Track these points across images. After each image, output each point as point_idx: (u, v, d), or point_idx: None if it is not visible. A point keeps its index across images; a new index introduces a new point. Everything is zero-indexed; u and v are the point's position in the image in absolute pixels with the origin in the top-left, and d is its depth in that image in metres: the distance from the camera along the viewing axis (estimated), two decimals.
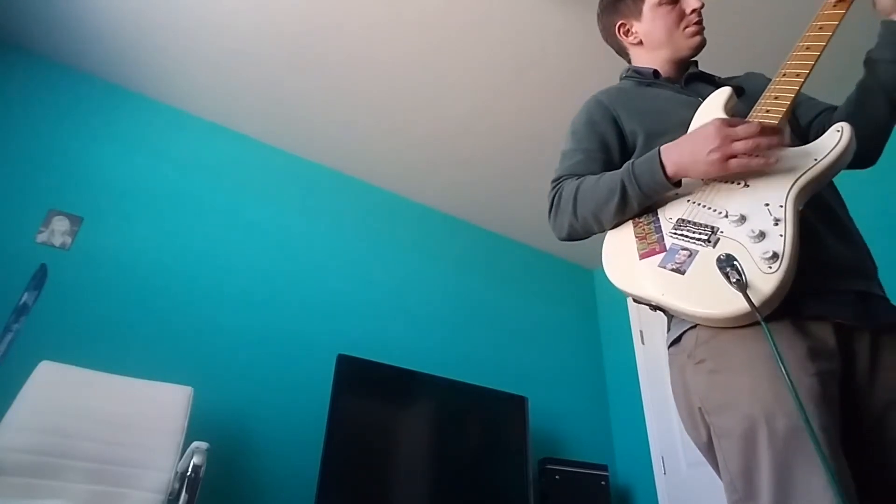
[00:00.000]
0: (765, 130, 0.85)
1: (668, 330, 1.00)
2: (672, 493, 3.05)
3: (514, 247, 3.88)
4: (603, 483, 2.97)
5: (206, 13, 2.44)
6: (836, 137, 0.86)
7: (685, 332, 0.91)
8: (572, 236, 1.10)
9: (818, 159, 0.85)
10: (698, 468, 2.95)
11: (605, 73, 2.63)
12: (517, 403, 2.95)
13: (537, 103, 2.81)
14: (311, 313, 2.82)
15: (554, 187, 1.13)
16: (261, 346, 2.61)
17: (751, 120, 0.92)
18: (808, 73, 0.93)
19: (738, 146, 0.85)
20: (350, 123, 3.00)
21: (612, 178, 1.00)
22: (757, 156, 0.86)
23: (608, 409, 3.64)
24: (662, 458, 3.17)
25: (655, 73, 1.21)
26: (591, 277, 4.17)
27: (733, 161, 0.86)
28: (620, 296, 3.96)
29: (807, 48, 0.94)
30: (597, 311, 4.03)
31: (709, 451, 0.88)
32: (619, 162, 1.12)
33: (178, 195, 2.75)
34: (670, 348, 0.98)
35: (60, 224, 2.40)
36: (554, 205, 1.11)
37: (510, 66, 2.63)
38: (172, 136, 2.88)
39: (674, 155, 0.93)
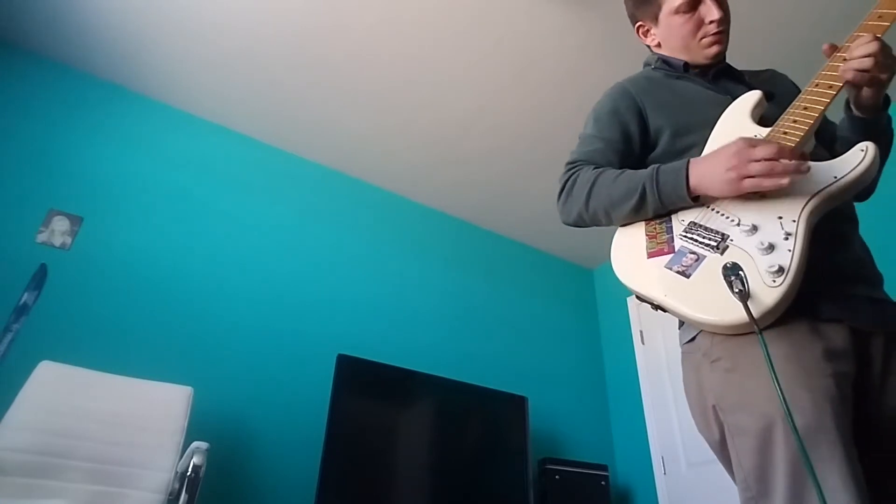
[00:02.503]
0: (783, 152, 0.84)
1: (680, 328, 1.00)
2: (672, 493, 3.05)
3: (514, 247, 3.88)
4: (603, 483, 2.97)
5: (207, 13, 2.44)
6: (860, 157, 0.86)
7: (702, 331, 0.92)
8: (578, 224, 1.10)
9: (838, 177, 0.85)
10: (698, 468, 2.95)
11: (605, 72, 2.63)
12: (517, 403, 2.95)
13: (537, 103, 2.81)
14: (311, 313, 2.82)
15: (568, 170, 1.10)
16: (261, 346, 2.61)
17: (771, 140, 0.92)
18: (841, 87, 0.93)
19: (754, 167, 0.85)
20: (350, 123, 3.00)
21: (633, 178, 0.98)
22: (771, 177, 0.85)
23: (608, 409, 3.64)
24: (662, 458, 3.17)
25: (686, 65, 1.17)
26: (591, 277, 4.17)
27: (747, 181, 0.86)
28: (620, 296, 3.99)
29: (843, 60, 0.92)
30: (597, 311, 4.03)
31: (721, 449, 0.89)
32: (640, 154, 1.11)
33: (178, 195, 2.75)
34: (684, 346, 0.98)
35: (60, 224, 2.40)
36: (566, 189, 1.09)
37: (510, 66, 2.63)
38: (172, 136, 2.88)
39: (697, 171, 0.92)
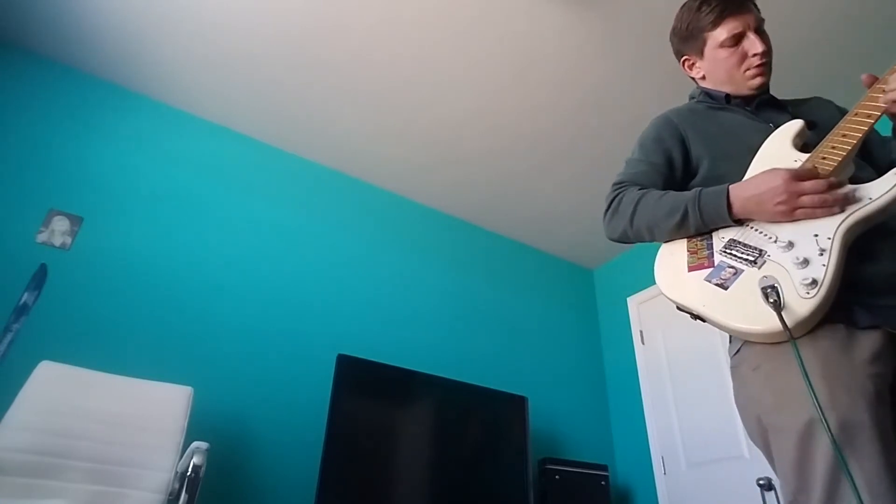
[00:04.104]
0: (832, 186, 0.90)
1: (731, 342, 1.04)
2: (672, 493, 3.05)
3: (514, 247, 3.88)
4: (603, 483, 2.97)
5: (207, 13, 2.44)
6: (894, 180, 0.90)
7: (745, 342, 0.96)
8: (622, 240, 1.16)
9: (872, 199, 0.90)
10: (698, 468, 2.95)
11: (605, 72, 2.64)
12: (517, 403, 2.95)
13: (537, 103, 2.81)
14: (311, 313, 2.82)
15: (615, 190, 1.17)
16: (261, 346, 2.61)
17: (810, 164, 0.96)
18: (879, 116, 0.96)
19: (805, 200, 0.91)
20: (350, 123, 3.00)
21: (677, 199, 1.05)
22: (824, 208, 0.90)
23: (608, 409, 3.64)
24: (662, 458, 3.17)
25: (728, 97, 1.22)
26: (591, 277, 4.17)
27: (799, 211, 0.92)
28: (620, 296, 3.99)
29: (883, 91, 0.95)
30: (597, 311, 4.03)
31: (769, 453, 0.92)
32: (681, 180, 1.17)
33: (178, 195, 2.75)
34: (732, 358, 1.02)
35: (60, 224, 2.40)
36: (612, 207, 1.16)
37: (510, 66, 2.63)
38: (173, 136, 2.88)
39: (741, 198, 0.98)
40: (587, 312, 3.99)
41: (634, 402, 3.46)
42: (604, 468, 3.03)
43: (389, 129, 3.02)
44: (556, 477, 2.87)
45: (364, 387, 2.56)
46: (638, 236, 1.12)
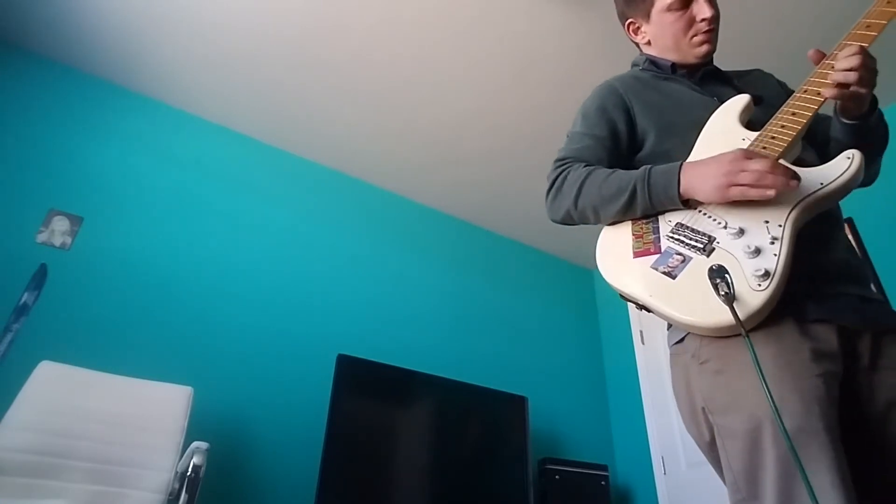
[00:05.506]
0: (777, 168, 0.84)
1: (669, 328, 0.99)
2: (672, 493, 3.05)
3: (514, 247, 3.88)
4: (603, 483, 2.97)
5: (207, 13, 2.44)
6: (846, 164, 0.87)
7: (689, 332, 0.92)
8: (565, 222, 1.09)
9: (824, 184, 0.86)
10: (698, 468, 2.95)
11: (605, 72, 2.63)
12: (517, 403, 2.95)
13: (537, 103, 2.81)
14: (311, 313, 2.82)
15: (557, 168, 1.10)
16: (261, 346, 2.61)
17: (759, 143, 0.93)
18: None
19: (743, 176, 0.85)
20: (350, 123, 3.00)
21: (624, 178, 0.98)
22: (757, 187, 0.85)
23: (608, 409, 3.64)
24: (662, 458, 3.17)
25: (673, 66, 1.17)
26: (591, 278, 4.17)
27: (735, 189, 0.86)
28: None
29: (833, 67, 0.91)
30: (597, 311, 4.03)
31: (711, 450, 0.89)
32: (627, 152, 1.11)
33: (178, 195, 2.75)
34: (672, 347, 0.98)
35: (60, 224, 2.40)
36: (556, 186, 1.08)
37: (510, 66, 2.63)
38: (173, 136, 2.88)
39: (689, 174, 0.92)
40: (587, 312, 3.98)
41: (634, 402, 3.46)
42: (604, 468, 3.03)
43: (389, 129, 3.02)
44: (556, 477, 2.86)
45: (364, 387, 2.56)
46: (582, 218, 1.05)
